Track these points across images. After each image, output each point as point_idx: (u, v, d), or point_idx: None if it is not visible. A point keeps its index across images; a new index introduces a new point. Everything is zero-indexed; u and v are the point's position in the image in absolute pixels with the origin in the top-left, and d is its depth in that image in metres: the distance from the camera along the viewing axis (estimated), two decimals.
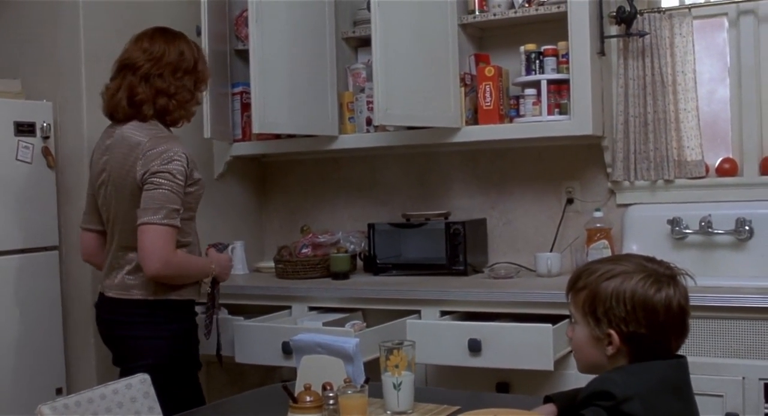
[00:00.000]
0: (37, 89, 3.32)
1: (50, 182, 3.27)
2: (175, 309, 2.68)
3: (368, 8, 3.22)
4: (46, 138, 3.23)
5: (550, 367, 2.73)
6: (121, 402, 2.24)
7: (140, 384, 2.31)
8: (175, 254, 2.54)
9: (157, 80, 2.66)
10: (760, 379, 2.64)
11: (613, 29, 3.37)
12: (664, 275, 1.69)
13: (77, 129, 3.30)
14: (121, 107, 2.66)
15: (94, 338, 3.28)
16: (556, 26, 3.29)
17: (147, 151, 2.56)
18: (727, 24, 3.39)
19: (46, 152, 3.23)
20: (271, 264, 3.75)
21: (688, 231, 3.28)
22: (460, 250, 3.43)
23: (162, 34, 2.73)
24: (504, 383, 2.97)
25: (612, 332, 1.67)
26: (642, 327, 1.65)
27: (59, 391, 3.22)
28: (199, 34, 3.56)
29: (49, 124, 3.24)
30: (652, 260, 1.74)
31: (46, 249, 3.25)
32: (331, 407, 1.94)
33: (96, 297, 2.83)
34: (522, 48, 3.39)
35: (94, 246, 2.84)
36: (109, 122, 2.76)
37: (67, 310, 3.31)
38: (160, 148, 2.56)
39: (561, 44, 3.29)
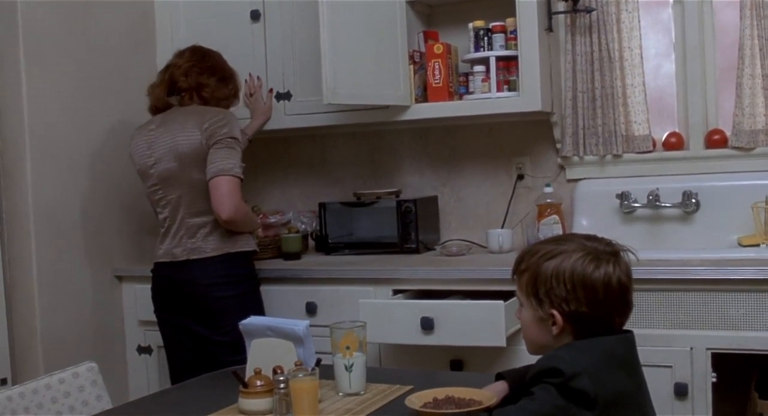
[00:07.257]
0: None
1: None
2: (250, 261, 3.09)
3: None
4: None
5: (503, 343, 2.74)
6: (67, 392, 2.21)
7: (87, 372, 2.28)
8: (243, 202, 2.99)
9: None
10: (708, 349, 2.68)
11: (561, 5, 3.36)
12: (605, 252, 1.69)
13: (18, 114, 3.20)
14: None
15: (40, 326, 3.22)
16: (503, 3, 3.27)
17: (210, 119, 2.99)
18: (671, 0, 3.41)
19: None
20: None
21: (636, 205, 3.31)
22: (412, 228, 3.43)
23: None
24: (457, 360, 2.98)
25: (555, 312, 1.67)
26: (583, 305, 1.66)
27: (4, 382, 3.15)
28: None
29: None
30: (593, 238, 1.74)
31: None
32: (282, 391, 1.93)
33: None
34: (470, 25, 3.37)
35: None
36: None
37: (11, 298, 3.23)
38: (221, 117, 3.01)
39: (509, 21, 3.27)
